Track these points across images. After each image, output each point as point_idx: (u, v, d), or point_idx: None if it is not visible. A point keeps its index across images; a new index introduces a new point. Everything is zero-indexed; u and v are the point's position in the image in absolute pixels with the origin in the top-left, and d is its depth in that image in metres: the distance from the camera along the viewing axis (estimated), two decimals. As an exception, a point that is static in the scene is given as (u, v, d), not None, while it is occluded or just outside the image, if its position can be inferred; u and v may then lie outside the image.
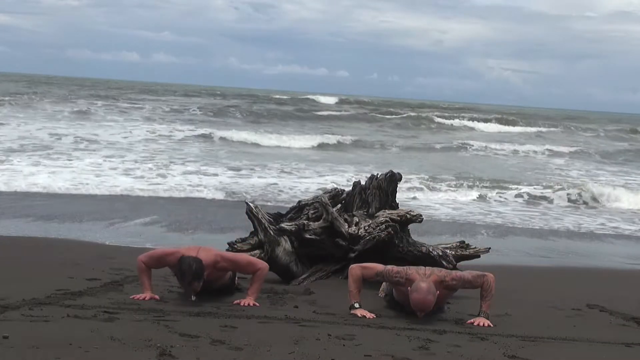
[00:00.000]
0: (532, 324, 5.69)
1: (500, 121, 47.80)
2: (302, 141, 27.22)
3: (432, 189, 16.46)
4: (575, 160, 28.24)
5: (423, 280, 5.58)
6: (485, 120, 47.31)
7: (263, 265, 5.97)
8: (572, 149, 31.11)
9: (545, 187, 17.61)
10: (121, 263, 7.32)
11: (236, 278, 6.37)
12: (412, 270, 5.75)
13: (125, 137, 24.31)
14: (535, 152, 29.93)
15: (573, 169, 25.23)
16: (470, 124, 44.46)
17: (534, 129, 44.66)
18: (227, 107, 42.93)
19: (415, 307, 5.55)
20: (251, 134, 27.73)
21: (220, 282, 6.06)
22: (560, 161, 27.53)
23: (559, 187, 17.55)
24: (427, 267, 5.88)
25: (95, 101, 39.90)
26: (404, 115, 45.75)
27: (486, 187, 17.18)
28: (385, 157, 24.85)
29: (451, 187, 16.88)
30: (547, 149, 30.44)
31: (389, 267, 5.83)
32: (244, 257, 6.12)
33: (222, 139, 26.11)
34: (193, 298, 5.69)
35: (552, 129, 46.63)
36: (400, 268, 5.82)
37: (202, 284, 5.60)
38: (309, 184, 16.39)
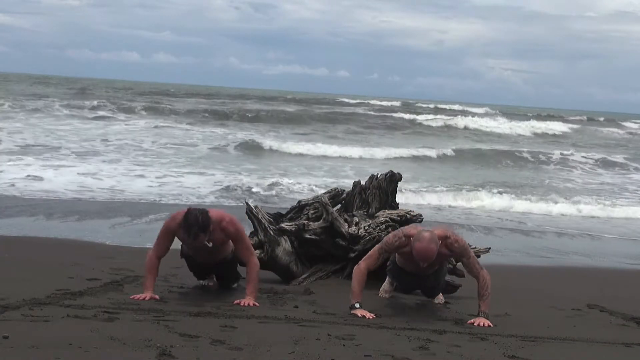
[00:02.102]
0: (532, 324, 5.69)
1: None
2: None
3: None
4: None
5: (426, 230, 5.64)
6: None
7: (256, 260, 5.99)
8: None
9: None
10: (121, 263, 7.32)
11: (237, 277, 6.38)
12: (408, 228, 5.85)
13: (135, 138, 24.24)
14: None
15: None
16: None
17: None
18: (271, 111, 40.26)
19: (418, 256, 5.57)
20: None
21: (222, 253, 6.03)
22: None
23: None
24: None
25: (101, 100, 39.78)
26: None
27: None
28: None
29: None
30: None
31: (385, 238, 5.89)
32: (247, 237, 6.11)
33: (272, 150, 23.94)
34: (210, 244, 5.68)
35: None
36: (396, 231, 5.90)
37: (207, 242, 5.61)
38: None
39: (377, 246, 5.89)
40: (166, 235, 5.81)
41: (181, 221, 5.56)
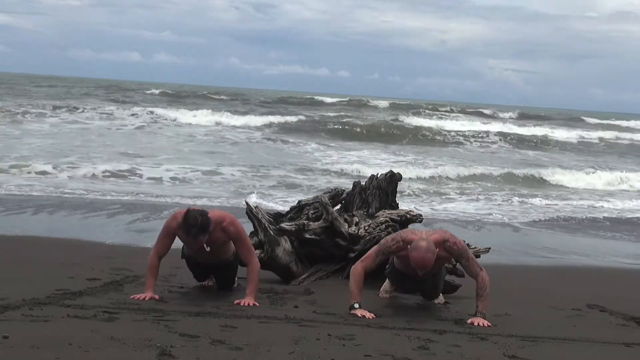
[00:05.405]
0: (532, 324, 5.69)
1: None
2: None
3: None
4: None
5: (422, 239, 5.64)
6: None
7: (257, 260, 6.01)
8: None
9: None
10: (121, 263, 7.32)
11: (236, 278, 6.38)
12: (407, 232, 5.85)
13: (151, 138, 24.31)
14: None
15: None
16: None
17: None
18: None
19: (415, 265, 5.60)
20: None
21: (223, 255, 6.03)
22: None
23: None
24: (426, 229, 6.05)
25: (108, 102, 39.53)
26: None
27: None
28: None
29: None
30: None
31: (382, 241, 5.90)
32: (247, 238, 6.11)
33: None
34: (207, 249, 5.71)
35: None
36: (394, 234, 5.90)
37: (207, 243, 5.63)
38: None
39: (374, 248, 5.91)
40: (167, 235, 5.80)
41: (181, 222, 5.56)
